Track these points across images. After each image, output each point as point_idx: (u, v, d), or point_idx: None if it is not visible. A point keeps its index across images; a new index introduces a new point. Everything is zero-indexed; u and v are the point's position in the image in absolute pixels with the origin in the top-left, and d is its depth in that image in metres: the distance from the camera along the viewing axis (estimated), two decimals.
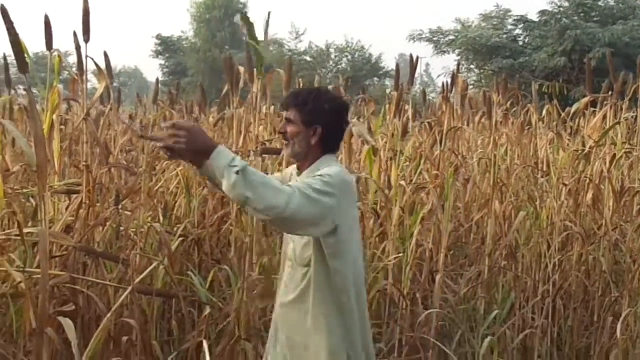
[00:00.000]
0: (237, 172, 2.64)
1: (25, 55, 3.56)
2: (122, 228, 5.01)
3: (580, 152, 6.24)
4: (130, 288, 4.14)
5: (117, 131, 7.21)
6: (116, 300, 4.37)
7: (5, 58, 5.38)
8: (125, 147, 6.89)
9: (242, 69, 5.02)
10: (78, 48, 4.52)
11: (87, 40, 4.40)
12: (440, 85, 28.29)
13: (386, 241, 5.26)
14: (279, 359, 3.31)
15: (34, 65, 4.21)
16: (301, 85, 6.17)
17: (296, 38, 47.19)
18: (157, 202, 5.68)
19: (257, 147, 5.20)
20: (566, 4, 25.61)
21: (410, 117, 6.39)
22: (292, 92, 3.30)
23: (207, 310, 4.68)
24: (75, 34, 4.43)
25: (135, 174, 5.52)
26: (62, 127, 5.70)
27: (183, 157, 2.88)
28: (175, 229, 5.31)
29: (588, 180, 6.03)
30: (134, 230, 5.06)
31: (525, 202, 6.26)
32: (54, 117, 4.56)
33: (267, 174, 3.36)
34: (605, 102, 6.48)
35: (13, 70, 5.28)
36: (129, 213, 5.17)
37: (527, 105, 7.84)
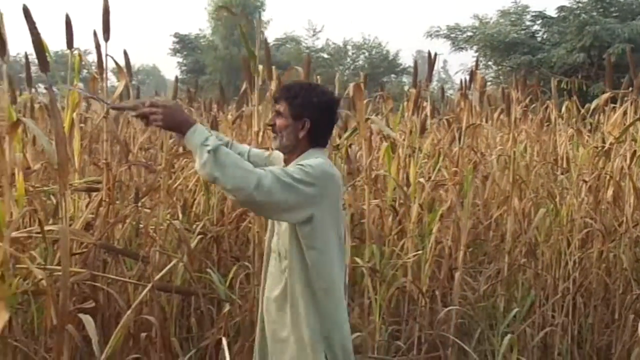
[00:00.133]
0: (209, 151, 2.72)
1: (47, 54, 3.58)
2: (141, 225, 5.03)
3: (600, 148, 6.20)
4: (149, 285, 4.16)
5: (136, 129, 7.23)
6: (136, 297, 4.38)
7: (26, 57, 5.40)
8: (144, 145, 6.91)
9: (260, 67, 5.02)
10: (98, 46, 4.54)
11: (106, 38, 4.43)
12: (457, 81, 28.19)
13: (405, 238, 5.25)
14: (266, 353, 3.33)
15: (54, 64, 4.23)
16: (319, 82, 6.15)
17: (313, 35, 47.10)
18: (176, 199, 5.69)
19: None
20: (585, 0, 25.44)
21: (429, 114, 6.36)
22: (284, 85, 3.32)
23: (226, 308, 4.69)
24: (95, 33, 4.46)
25: (154, 171, 5.54)
26: (82, 125, 5.73)
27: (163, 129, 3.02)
28: (194, 226, 5.32)
29: (608, 177, 5.99)
30: (153, 227, 5.07)
31: (544, 198, 6.23)
32: (74, 115, 4.59)
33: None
34: (625, 98, 6.42)
35: (33, 68, 5.31)
36: (148, 210, 5.19)
37: (546, 102, 7.80)
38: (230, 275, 5.01)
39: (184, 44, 47.87)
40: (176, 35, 47.98)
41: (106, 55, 4.57)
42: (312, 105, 3.10)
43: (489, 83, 23.49)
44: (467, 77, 6.65)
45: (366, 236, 4.98)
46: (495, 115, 8.29)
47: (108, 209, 4.75)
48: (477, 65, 7.40)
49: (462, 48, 29.48)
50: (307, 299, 3.09)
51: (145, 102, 2.93)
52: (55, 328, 3.65)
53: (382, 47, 45.80)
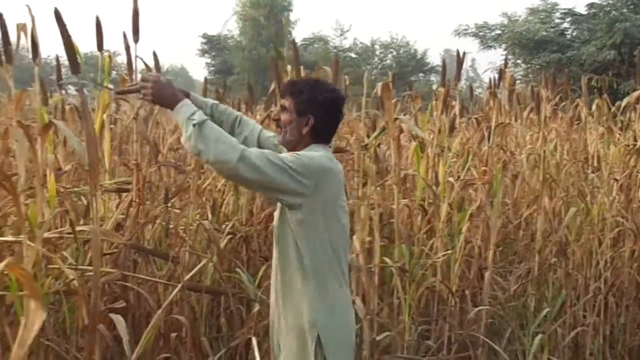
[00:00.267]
0: (194, 125, 2.79)
1: (77, 56, 3.61)
2: (171, 226, 5.06)
3: (631, 146, 6.14)
4: (179, 285, 4.18)
5: (165, 130, 7.27)
6: (166, 297, 4.41)
7: (57, 59, 5.45)
8: (173, 146, 6.95)
9: (288, 67, 5.03)
10: (127, 48, 4.57)
11: (136, 40, 4.45)
12: (486, 80, 28.06)
13: (434, 238, 5.24)
14: (274, 344, 3.35)
15: (84, 66, 4.26)
16: (347, 82, 6.15)
17: (341, 35, 47.13)
18: (206, 199, 5.72)
19: None
20: None
21: (457, 113, 6.34)
22: (290, 80, 3.33)
23: (256, 307, 4.70)
24: (124, 35, 4.49)
25: (184, 172, 5.57)
26: (112, 126, 5.77)
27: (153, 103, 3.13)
28: (224, 226, 5.33)
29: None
30: (183, 227, 5.10)
31: (575, 197, 6.18)
32: (104, 116, 4.62)
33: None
34: None
35: (63, 70, 5.36)
36: (178, 211, 5.22)
37: (576, 100, 7.73)
38: (260, 275, 5.02)
39: (212, 45, 48.04)
40: (204, 36, 48.18)
41: (136, 56, 4.60)
42: (317, 102, 3.11)
43: (518, 81, 23.39)
44: (496, 76, 6.62)
45: (395, 236, 4.97)
46: (525, 113, 8.23)
47: (138, 209, 4.78)
48: (506, 64, 7.36)
49: (491, 46, 29.34)
50: (299, 286, 3.09)
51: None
52: (87, 328, 3.68)
53: (409, 46, 45.70)
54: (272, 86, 5.52)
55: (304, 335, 3.10)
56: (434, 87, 9.85)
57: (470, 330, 5.15)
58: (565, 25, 27.93)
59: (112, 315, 3.83)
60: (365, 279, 4.73)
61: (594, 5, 25.25)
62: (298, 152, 3.02)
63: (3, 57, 3.89)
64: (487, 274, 5.30)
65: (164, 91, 2.98)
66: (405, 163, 6.23)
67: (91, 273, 3.70)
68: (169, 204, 5.06)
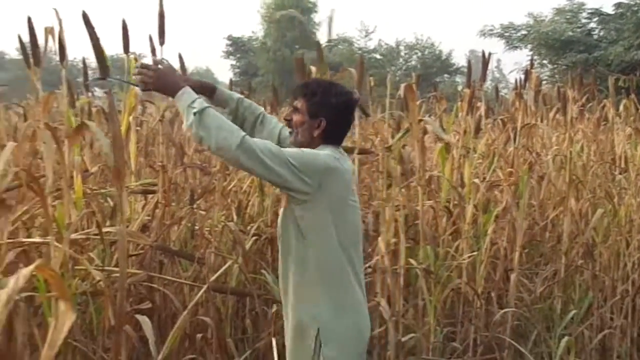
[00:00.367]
0: (195, 113, 2.82)
1: (105, 59, 3.64)
2: (196, 227, 5.08)
3: None
4: (205, 286, 4.19)
5: None
6: (191, 298, 4.43)
7: (84, 61, 5.50)
8: (199, 147, 6.97)
9: (313, 69, 5.03)
10: (153, 50, 4.59)
11: (162, 43, 4.47)
12: (512, 81, 27.95)
13: (459, 239, 5.22)
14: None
15: (110, 68, 4.29)
16: (372, 83, 6.14)
17: (366, 36, 47.08)
18: (231, 201, 5.74)
19: None
20: None
21: (483, 114, 6.31)
22: (304, 82, 3.31)
23: (274, 307, 4.70)
24: (150, 38, 4.51)
25: (209, 173, 5.59)
26: (138, 128, 5.81)
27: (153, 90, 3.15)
28: (249, 227, 5.34)
29: None
30: (209, 229, 5.12)
31: (602, 199, 6.14)
32: (131, 118, 4.65)
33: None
34: None
35: (90, 72, 5.40)
36: (204, 212, 5.23)
37: (603, 100, 7.67)
38: None
39: (237, 47, 48.18)
40: (229, 38, 48.31)
41: (161, 58, 4.62)
42: (329, 105, 3.10)
43: (544, 82, 23.24)
44: (522, 76, 6.58)
45: (420, 237, 4.96)
46: (551, 114, 8.18)
47: (164, 210, 4.81)
48: (531, 64, 7.31)
49: (517, 47, 29.22)
50: (303, 283, 3.08)
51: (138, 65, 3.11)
52: (113, 328, 3.70)
53: (434, 47, 45.57)
54: None
55: (305, 332, 3.08)
56: (459, 88, 9.82)
57: (496, 333, 5.13)
58: (592, 25, 27.77)
59: (138, 316, 3.86)
60: (390, 280, 4.73)
61: (622, 5, 25.06)
62: (303, 149, 3.01)
63: (31, 60, 3.93)
64: (513, 276, 5.27)
65: (165, 78, 3.01)
66: (431, 164, 6.21)
67: (118, 274, 3.73)
68: (195, 206, 5.08)
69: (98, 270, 3.91)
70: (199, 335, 4.58)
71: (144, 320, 3.83)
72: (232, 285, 4.89)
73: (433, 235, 5.19)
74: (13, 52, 47.89)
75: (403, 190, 5.17)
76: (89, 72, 5.65)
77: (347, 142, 6.05)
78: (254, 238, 5.24)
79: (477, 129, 5.91)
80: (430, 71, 41.85)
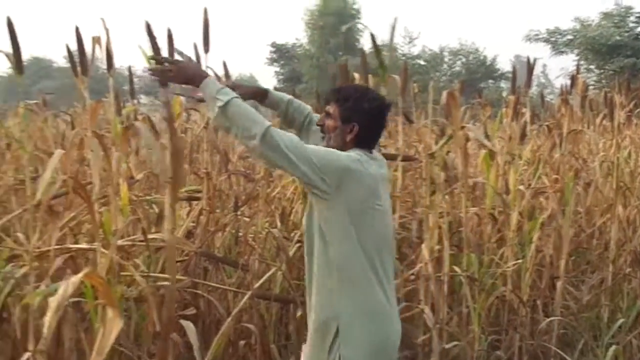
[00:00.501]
0: (220, 104, 2.83)
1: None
2: (240, 234, 5.10)
3: None
4: (249, 293, 4.22)
5: None
6: (235, 304, 4.45)
7: (129, 69, 5.56)
8: (243, 154, 7.01)
9: (356, 75, 5.04)
10: (198, 58, 4.63)
11: (206, 50, 4.52)
12: (558, 86, 27.67)
13: (504, 247, 5.18)
14: None
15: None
16: (415, 89, 6.13)
17: (409, 42, 46.90)
18: (275, 208, 5.75)
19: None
20: None
21: (528, 120, 6.26)
22: (336, 87, 3.30)
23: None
24: (195, 46, 4.55)
25: (253, 180, 5.62)
26: (183, 135, 5.86)
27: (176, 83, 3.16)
28: (293, 234, 5.35)
29: None
30: (252, 235, 5.15)
31: None
32: (175, 125, 4.69)
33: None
34: None
35: (135, 79, 5.46)
36: (247, 219, 5.26)
37: None
38: None
39: (281, 54, 48.33)
40: (273, 44, 48.49)
41: (206, 66, 4.66)
42: (362, 110, 3.09)
43: (590, 87, 22.97)
44: (568, 82, 6.51)
45: (464, 244, 4.93)
46: (598, 120, 8.08)
47: (208, 217, 4.85)
48: (578, 69, 7.24)
49: (563, 52, 28.93)
50: (325, 282, 3.05)
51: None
52: (158, 334, 3.74)
53: (479, 53, 45.29)
54: None
55: (325, 332, 3.05)
56: (504, 93, 9.75)
57: (542, 341, 5.08)
58: None
59: (182, 322, 3.89)
60: (434, 287, 4.70)
61: None
62: (327, 149, 3.01)
63: (79, 69, 3.99)
64: (559, 284, 5.22)
65: (187, 71, 3.00)
66: (475, 171, 6.17)
67: (164, 282, 3.78)
68: (239, 212, 5.11)
69: (143, 277, 3.96)
70: (242, 342, 4.61)
71: (189, 327, 3.86)
72: (276, 292, 4.90)
73: (477, 243, 5.16)
74: (61, 60, 48.63)
75: (447, 197, 5.15)
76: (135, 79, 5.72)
77: (390, 149, 6.06)
78: (298, 245, 5.25)
79: (523, 136, 5.86)
80: (474, 77, 41.59)
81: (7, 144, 5.86)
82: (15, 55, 3.71)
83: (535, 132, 7.86)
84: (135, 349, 4.19)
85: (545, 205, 5.81)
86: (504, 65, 48.18)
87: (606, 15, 30.22)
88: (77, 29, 3.90)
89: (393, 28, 4.98)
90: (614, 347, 4.87)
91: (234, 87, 3.27)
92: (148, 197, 5.05)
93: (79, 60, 3.97)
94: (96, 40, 4.00)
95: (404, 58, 41.39)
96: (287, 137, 2.85)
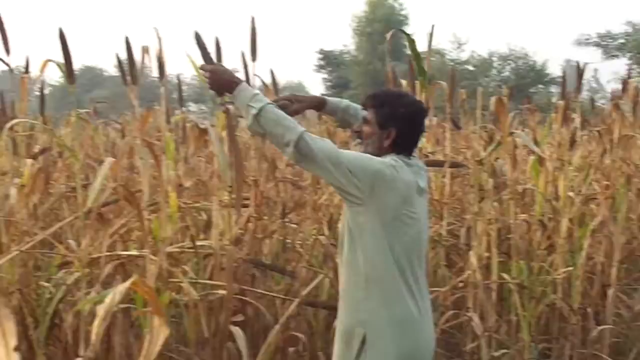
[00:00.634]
0: (254, 111, 2.83)
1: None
2: (288, 241, 5.12)
3: None
4: (296, 300, 4.23)
5: None
6: (283, 311, 4.47)
7: (178, 77, 5.63)
8: (290, 162, 7.04)
9: (403, 82, 5.04)
10: (245, 67, 4.67)
11: (254, 59, 4.55)
12: (609, 91, 27.32)
13: (554, 254, 5.12)
14: None
15: (207, 82, 4.38)
16: (463, 96, 6.11)
17: (458, 47, 46.65)
18: (322, 215, 5.76)
19: (420, 159, 5.19)
20: None
21: (578, 125, 6.18)
22: (372, 92, 3.28)
23: None
24: (242, 54, 4.59)
25: (301, 187, 5.64)
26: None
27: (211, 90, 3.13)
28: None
29: None
30: (300, 242, 5.16)
31: None
32: (223, 133, 4.73)
33: None
34: None
35: (184, 87, 5.52)
36: (295, 226, 5.28)
37: None
38: None
39: (329, 60, 48.45)
40: (321, 51, 48.65)
41: (253, 74, 4.70)
42: (398, 115, 3.07)
43: None
44: (620, 86, 6.42)
45: (513, 251, 4.89)
46: None
47: (256, 224, 4.87)
48: (629, 74, 7.14)
49: (614, 56, 28.55)
50: (355, 288, 3.01)
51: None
52: (207, 340, 3.77)
53: (528, 57, 44.86)
54: None
55: (352, 337, 3.01)
56: (554, 99, 9.66)
57: (593, 350, 5.01)
58: None
59: (232, 329, 3.92)
60: (482, 295, 4.67)
61: None
62: (360, 153, 3.01)
63: (129, 78, 4.05)
64: (610, 292, 5.14)
65: (220, 76, 3.00)
66: (524, 177, 6.11)
67: (212, 290, 3.81)
68: (286, 219, 5.13)
69: (192, 283, 4.00)
70: (291, 349, 4.62)
71: (238, 333, 3.88)
72: (323, 299, 4.91)
73: (527, 250, 5.11)
74: (112, 69, 49.37)
75: (495, 203, 5.11)
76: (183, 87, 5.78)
77: (438, 155, 6.03)
78: None
79: (572, 141, 5.79)
80: (524, 82, 41.18)
81: (59, 152, 5.96)
82: (67, 64, 3.79)
83: (586, 137, 7.76)
84: (184, 355, 4.23)
85: (596, 212, 5.73)
86: (555, 69, 47.67)
87: None
88: (126, 39, 3.96)
89: (431, 36, 4.96)
90: None
91: (293, 98, 3.30)
92: (197, 205, 5.10)
93: (129, 69, 4.03)
94: (145, 49, 4.06)
95: (452, 64, 41.20)
96: (321, 143, 2.85)
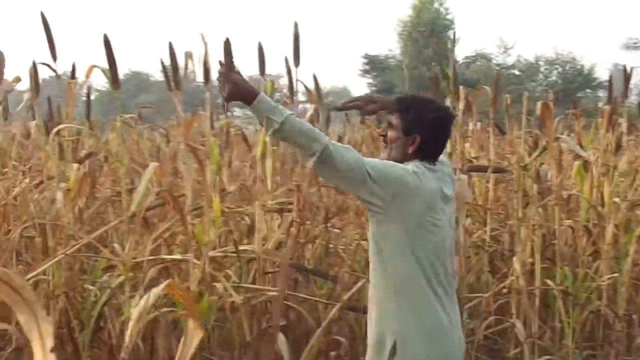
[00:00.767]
0: (277, 126, 2.76)
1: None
2: (331, 245, 5.13)
3: None
4: (339, 304, 4.24)
5: None
6: (325, 316, 4.48)
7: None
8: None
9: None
10: (289, 72, 4.70)
11: (297, 64, 4.58)
12: None
13: (599, 260, 5.07)
14: None
15: None
16: (508, 101, 6.06)
17: (504, 52, 46.32)
18: (365, 220, 5.76)
19: (463, 165, 5.17)
20: None
21: (625, 130, 6.11)
22: (398, 97, 3.24)
23: None
24: (286, 59, 4.62)
25: (343, 192, 5.65)
26: (275, 147, 5.94)
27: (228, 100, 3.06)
28: None
29: None
30: (343, 247, 5.17)
31: None
32: (267, 139, 4.76)
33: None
34: None
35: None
36: (338, 231, 5.29)
37: None
38: None
39: (374, 65, 48.42)
40: (366, 56, 48.63)
41: (296, 80, 4.73)
42: (423, 121, 3.02)
43: None
44: None
45: (557, 258, 4.85)
46: None
47: (299, 229, 4.89)
48: None
49: None
50: (383, 296, 2.98)
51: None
52: (249, 343, 3.80)
53: (576, 62, 44.37)
54: None
55: (382, 347, 2.99)
56: (600, 104, 9.55)
57: (638, 357, 4.94)
58: None
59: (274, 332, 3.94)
60: (526, 301, 4.64)
61: None
62: (383, 161, 2.97)
63: (173, 83, 4.11)
64: None
65: (239, 87, 2.88)
66: (569, 183, 6.05)
67: (254, 292, 3.84)
68: (329, 224, 5.14)
69: (235, 287, 4.03)
70: (332, 353, 4.63)
71: (280, 337, 3.90)
72: (366, 304, 4.90)
73: (571, 256, 5.06)
74: (158, 74, 49.88)
75: (540, 209, 5.07)
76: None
77: (482, 161, 6.00)
78: None
79: (618, 146, 5.73)
80: (571, 86, 40.75)
81: (105, 156, 6.05)
82: (111, 70, 3.85)
83: (632, 142, 7.66)
84: (228, 358, 4.27)
85: None
86: (603, 74, 47.07)
87: None
88: (169, 44, 4.02)
89: (454, 41, 4.94)
90: None
91: (368, 98, 3.30)
92: (240, 209, 5.13)
93: (172, 74, 4.08)
94: (189, 55, 4.11)
95: (498, 68, 40.91)
96: (345, 151, 2.81)
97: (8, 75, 4.38)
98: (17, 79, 4.67)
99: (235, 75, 2.89)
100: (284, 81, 4.98)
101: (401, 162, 2.99)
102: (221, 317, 4.34)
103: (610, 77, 6.12)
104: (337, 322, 4.73)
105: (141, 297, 3.67)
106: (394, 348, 2.94)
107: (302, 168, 5.23)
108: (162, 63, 4.22)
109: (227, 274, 4.32)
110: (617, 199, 5.29)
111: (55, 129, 4.49)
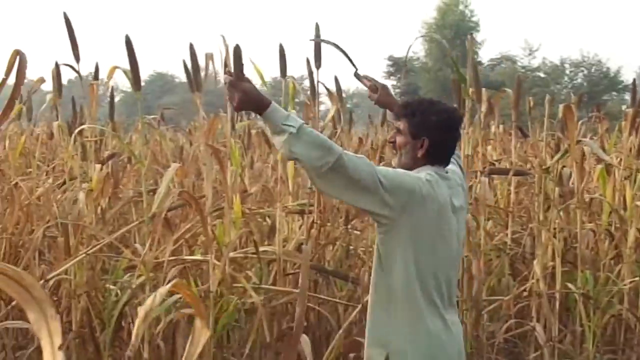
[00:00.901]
0: (289, 133, 2.65)
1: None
2: (351, 247, 5.14)
3: None
4: (359, 306, 4.24)
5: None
6: (346, 317, 4.49)
7: None
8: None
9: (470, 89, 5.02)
10: (310, 74, 4.71)
11: (318, 66, 4.59)
12: None
13: (621, 264, 5.04)
14: None
15: (272, 90, 4.44)
16: (531, 103, 6.04)
17: (529, 54, 46.14)
18: None
19: (484, 167, 5.17)
20: None
21: None
22: (404, 102, 3.22)
23: None
24: (307, 61, 4.63)
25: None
26: None
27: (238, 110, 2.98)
28: None
29: None
30: (363, 249, 5.18)
31: None
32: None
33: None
34: None
35: None
36: (358, 232, 5.30)
37: None
38: None
39: (398, 67, 48.36)
40: (390, 58, 48.59)
41: (317, 82, 4.74)
42: (430, 124, 2.98)
43: None
44: None
45: (579, 261, 4.83)
46: None
47: (319, 231, 4.91)
48: None
49: None
50: (380, 305, 2.94)
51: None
52: (270, 345, 3.82)
53: (602, 64, 44.09)
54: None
55: (374, 355, 2.96)
56: (624, 107, 9.48)
57: None
58: None
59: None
60: (546, 305, 4.62)
61: None
62: (396, 169, 2.93)
63: (194, 85, 4.13)
64: None
65: (250, 97, 2.76)
66: (592, 186, 6.02)
67: (274, 293, 3.85)
68: (349, 226, 5.15)
69: (255, 288, 4.05)
70: (352, 355, 4.63)
71: (304, 339, 3.91)
72: None
73: (593, 259, 5.04)
74: (182, 75, 50.08)
75: (561, 212, 5.06)
76: None
77: (504, 163, 5.99)
78: None
79: None
80: (596, 89, 40.50)
81: (128, 157, 6.09)
82: (133, 71, 3.87)
83: None
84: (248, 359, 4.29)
85: None
86: (629, 76, 46.72)
87: None
88: (190, 46, 4.04)
89: (471, 42, 4.93)
90: None
91: (382, 89, 3.32)
92: (261, 210, 5.15)
93: (193, 76, 4.11)
94: (210, 56, 4.13)
95: (522, 70, 40.72)
96: (358, 161, 2.75)
97: (32, 76, 4.41)
98: (41, 80, 4.71)
99: (245, 83, 2.78)
100: (306, 83, 4.99)
101: (412, 167, 2.96)
102: (241, 318, 4.36)
103: (634, 80, 6.07)
104: (358, 323, 4.74)
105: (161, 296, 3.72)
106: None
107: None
108: (185, 64, 4.25)
109: (247, 275, 4.34)
110: (639, 203, 5.26)
111: (77, 130, 4.54)
